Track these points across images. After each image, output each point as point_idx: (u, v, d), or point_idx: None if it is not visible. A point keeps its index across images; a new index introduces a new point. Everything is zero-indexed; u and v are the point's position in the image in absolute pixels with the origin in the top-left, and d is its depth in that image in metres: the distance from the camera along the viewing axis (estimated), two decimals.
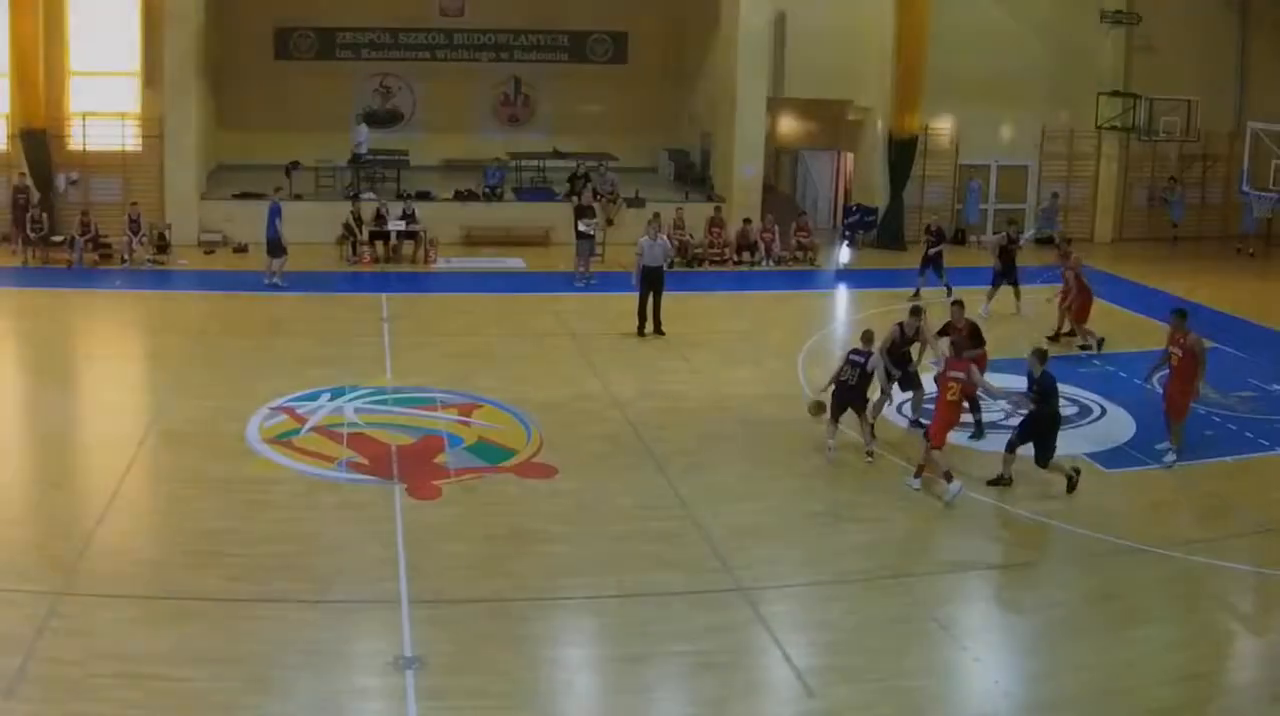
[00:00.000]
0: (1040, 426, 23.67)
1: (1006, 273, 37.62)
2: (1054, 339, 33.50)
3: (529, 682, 16.78)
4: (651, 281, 34.23)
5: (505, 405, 27.83)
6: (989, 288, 37.13)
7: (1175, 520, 22.98)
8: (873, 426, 25.87)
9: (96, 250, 41.53)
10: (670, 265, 36.30)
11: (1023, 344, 31.74)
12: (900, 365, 26.74)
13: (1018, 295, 37.75)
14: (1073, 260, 34.01)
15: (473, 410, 27.50)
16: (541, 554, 20.73)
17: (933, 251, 38.67)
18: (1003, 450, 24.01)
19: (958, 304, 28.53)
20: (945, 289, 36.96)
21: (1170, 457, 25.60)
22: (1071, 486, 23.56)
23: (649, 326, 34.30)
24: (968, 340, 26.94)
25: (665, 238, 36.48)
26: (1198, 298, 38.63)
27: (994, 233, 42.14)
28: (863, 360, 25.40)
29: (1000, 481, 23.85)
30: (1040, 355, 23.92)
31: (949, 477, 23.38)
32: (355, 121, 48.61)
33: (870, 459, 25.24)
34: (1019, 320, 36.44)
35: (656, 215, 37.55)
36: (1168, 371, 26.09)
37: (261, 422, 26.25)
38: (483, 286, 40.01)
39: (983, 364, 27.13)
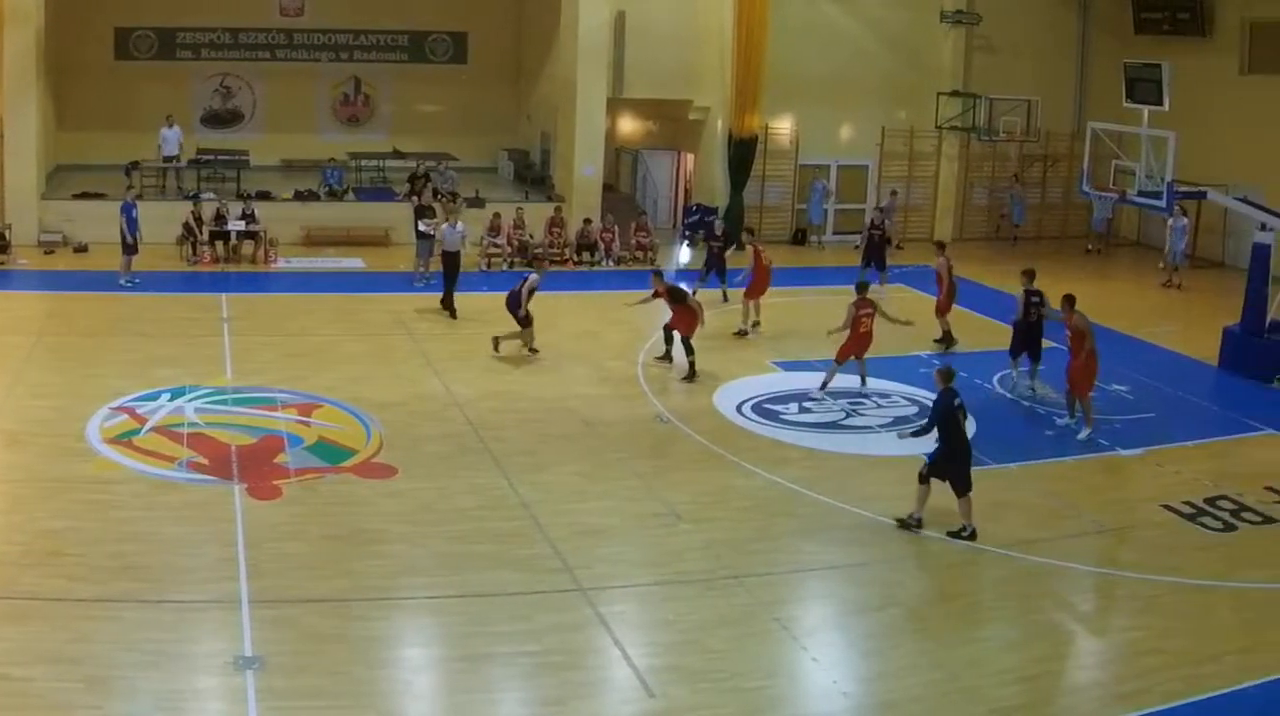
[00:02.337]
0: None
1: (872, 258, 40.61)
2: (941, 342, 34.70)
3: (369, 682, 16.83)
4: (450, 264, 36.27)
5: (345, 405, 27.81)
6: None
7: (1014, 520, 23.16)
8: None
9: None
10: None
11: (893, 343, 32.17)
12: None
13: (882, 282, 39.52)
14: (941, 262, 34.60)
15: (313, 410, 27.43)
16: (382, 554, 20.76)
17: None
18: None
19: (657, 274, 32.93)
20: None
21: (1084, 433, 27.51)
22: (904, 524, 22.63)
23: (447, 309, 36.36)
24: (667, 297, 30.94)
25: (463, 225, 37.70)
26: None
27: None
28: (1038, 299, 29.94)
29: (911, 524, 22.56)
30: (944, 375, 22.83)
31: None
32: (167, 124, 47.88)
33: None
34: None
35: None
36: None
37: (102, 422, 26.01)
38: (322, 286, 39.83)
39: (690, 319, 30.83)
